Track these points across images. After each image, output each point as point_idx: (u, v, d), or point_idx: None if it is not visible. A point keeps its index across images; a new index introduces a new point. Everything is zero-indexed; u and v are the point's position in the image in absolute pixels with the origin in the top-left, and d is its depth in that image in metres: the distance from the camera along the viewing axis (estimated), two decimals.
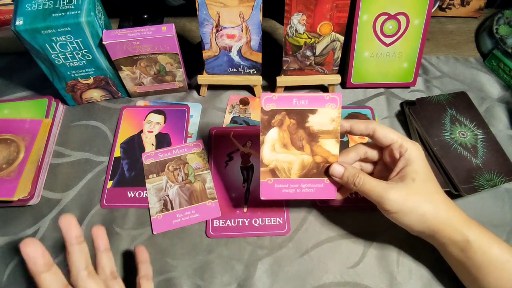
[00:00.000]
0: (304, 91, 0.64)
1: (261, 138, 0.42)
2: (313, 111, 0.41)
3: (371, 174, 0.47)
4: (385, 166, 0.46)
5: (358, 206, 0.52)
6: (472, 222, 0.41)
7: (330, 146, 0.42)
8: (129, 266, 0.48)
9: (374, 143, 0.46)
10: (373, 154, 0.46)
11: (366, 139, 0.58)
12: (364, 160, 0.47)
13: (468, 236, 0.40)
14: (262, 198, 0.44)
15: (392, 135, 0.43)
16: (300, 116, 0.42)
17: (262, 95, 0.41)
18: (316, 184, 0.43)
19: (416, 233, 0.43)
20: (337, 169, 0.42)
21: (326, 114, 0.41)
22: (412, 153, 0.42)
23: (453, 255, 0.42)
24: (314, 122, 0.42)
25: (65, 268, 0.48)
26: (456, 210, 0.42)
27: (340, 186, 0.45)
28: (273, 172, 0.43)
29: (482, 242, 0.40)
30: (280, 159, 0.42)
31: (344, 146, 0.57)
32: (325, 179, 0.43)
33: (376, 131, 0.44)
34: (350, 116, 0.61)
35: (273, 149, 0.42)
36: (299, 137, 0.42)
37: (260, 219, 0.51)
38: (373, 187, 0.41)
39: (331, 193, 0.44)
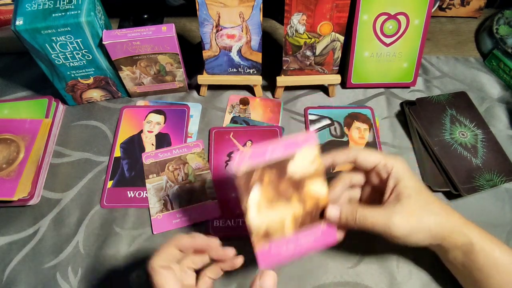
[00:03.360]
0: (305, 96, 0.64)
1: (243, 205, 0.37)
2: (290, 158, 0.38)
3: (360, 200, 0.46)
4: (373, 188, 0.45)
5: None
6: (471, 224, 0.41)
7: (318, 188, 0.39)
8: (129, 266, 0.48)
9: (357, 168, 0.44)
10: (359, 178, 0.45)
11: (366, 137, 0.58)
12: (351, 186, 0.46)
13: (471, 239, 0.40)
14: (261, 268, 0.38)
15: (373, 157, 0.42)
16: (279, 167, 0.37)
17: (233, 156, 0.37)
18: (314, 232, 0.40)
19: (423, 246, 0.42)
20: (333, 213, 0.40)
21: (305, 157, 0.38)
22: (399, 169, 0.41)
23: (456, 260, 0.42)
24: (294, 169, 0.38)
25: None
26: (455, 214, 0.41)
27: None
28: (266, 236, 0.38)
29: (484, 244, 0.40)
30: (270, 219, 0.38)
31: (344, 146, 0.57)
32: (321, 224, 0.40)
33: (358, 157, 0.42)
34: (350, 116, 0.61)
35: (260, 211, 0.37)
36: (283, 189, 0.38)
37: None
38: (375, 219, 0.39)
39: (332, 237, 0.40)
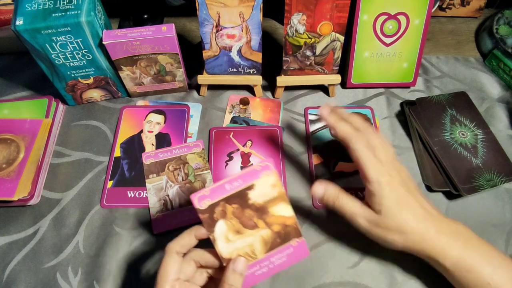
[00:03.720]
0: (305, 96, 0.64)
1: (210, 237, 0.38)
2: (250, 187, 0.38)
3: None
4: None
5: None
6: (452, 244, 0.40)
7: (282, 210, 0.40)
8: (129, 266, 0.48)
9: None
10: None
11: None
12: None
13: (444, 265, 0.40)
14: None
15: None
16: (240, 198, 0.38)
17: (193, 196, 0.37)
18: (285, 251, 0.41)
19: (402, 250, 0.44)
20: (318, 190, 0.44)
21: (265, 183, 0.38)
22: (377, 187, 0.42)
23: (440, 272, 0.43)
24: (256, 196, 0.38)
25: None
26: (434, 235, 0.41)
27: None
28: None
29: (460, 269, 0.40)
30: (239, 246, 0.39)
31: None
32: (292, 241, 0.41)
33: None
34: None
35: (228, 241, 0.38)
36: (248, 217, 0.39)
37: None
38: (348, 209, 0.43)
39: (304, 252, 0.42)
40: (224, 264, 0.38)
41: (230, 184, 0.38)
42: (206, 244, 0.38)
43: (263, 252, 0.40)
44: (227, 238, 0.38)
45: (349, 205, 0.43)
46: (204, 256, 0.39)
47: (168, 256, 0.37)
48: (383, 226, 0.41)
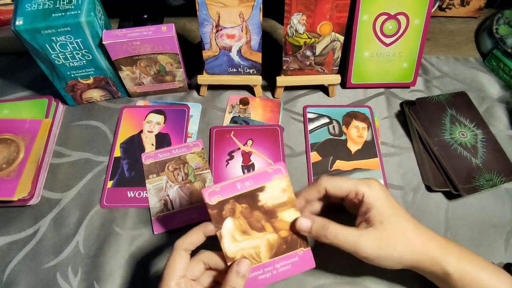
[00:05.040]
0: (305, 96, 0.64)
1: (217, 233, 0.38)
2: (261, 189, 0.38)
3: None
4: (351, 207, 0.44)
5: None
6: (451, 249, 0.40)
7: (291, 216, 0.39)
8: (129, 266, 0.48)
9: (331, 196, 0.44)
10: (335, 190, 0.43)
11: (364, 136, 0.58)
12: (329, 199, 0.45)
13: (446, 269, 0.39)
14: None
15: (343, 186, 0.41)
16: (250, 198, 0.38)
17: (204, 191, 0.37)
18: (290, 259, 0.40)
19: (398, 269, 0.42)
20: (304, 224, 0.39)
21: (276, 187, 0.39)
22: (370, 196, 0.40)
23: (436, 283, 0.42)
24: (266, 199, 0.39)
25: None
26: (432, 240, 0.40)
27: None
28: None
29: (461, 273, 0.39)
30: (245, 247, 0.39)
31: (342, 144, 0.58)
32: (298, 250, 0.40)
33: (327, 188, 0.42)
34: (349, 115, 0.61)
35: (234, 240, 0.38)
36: (257, 218, 0.39)
37: None
38: (345, 237, 0.39)
39: (309, 263, 0.41)
40: (228, 264, 0.38)
41: (241, 183, 0.38)
42: (215, 245, 0.39)
43: (267, 256, 0.40)
44: (234, 237, 0.38)
45: (344, 233, 0.39)
46: (213, 258, 0.39)
47: (176, 253, 0.37)
48: (388, 241, 0.39)
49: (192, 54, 0.66)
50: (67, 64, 0.54)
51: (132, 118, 0.60)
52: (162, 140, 0.58)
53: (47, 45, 0.51)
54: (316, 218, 0.40)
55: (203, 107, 0.62)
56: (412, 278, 0.47)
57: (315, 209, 0.45)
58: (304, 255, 0.41)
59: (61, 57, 0.53)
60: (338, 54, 0.58)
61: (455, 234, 0.51)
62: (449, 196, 0.53)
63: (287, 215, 0.39)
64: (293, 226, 0.40)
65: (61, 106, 0.61)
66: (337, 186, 0.42)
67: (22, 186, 0.50)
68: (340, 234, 0.39)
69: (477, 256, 0.41)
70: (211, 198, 0.37)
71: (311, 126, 0.60)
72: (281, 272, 0.40)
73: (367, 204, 0.40)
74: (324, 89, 0.65)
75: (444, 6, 0.74)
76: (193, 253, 0.39)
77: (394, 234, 0.39)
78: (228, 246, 0.38)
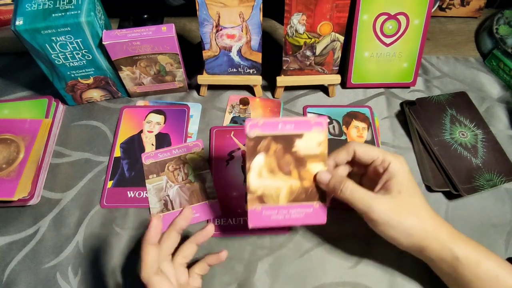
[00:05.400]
0: (305, 96, 0.64)
1: (247, 165, 0.40)
2: (299, 136, 0.40)
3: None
4: (371, 179, 0.45)
5: None
6: (460, 237, 0.41)
7: (317, 169, 0.41)
8: (129, 266, 0.48)
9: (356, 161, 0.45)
10: (364, 155, 0.44)
11: (364, 136, 0.58)
12: (354, 164, 0.46)
13: (456, 253, 0.39)
14: (250, 227, 0.41)
15: (372, 152, 0.43)
16: (287, 141, 0.40)
17: (247, 121, 0.39)
18: (305, 209, 0.42)
19: (404, 249, 0.42)
20: (323, 177, 0.41)
21: (313, 138, 0.40)
22: (395, 166, 0.41)
23: (443, 271, 0.42)
24: (300, 146, 0.40)
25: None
26: (444, 225, 0.41)
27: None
28: (261, 199, 0.41)
29: (471, 258, 0.39)
30: (268, 185, 0.41)
31: (343, 145, 0.57)
32: (315, 203, 0.42)
33: (356, 151, 0.43)
34: (349, 115, 0.61)
35: (260, 176, 0.40)
36: (286, 162, 0.41)
37: None
38: (360, 196, 0.40)
39: (321, 218, 0.42)
40: (248, 195, 0.41)
41: (283, 125, 0.40)
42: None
43: (285, 200, 0.41)
44: (260, 173, 0.40)
45: (360, 192, 0.40)
46: (205, 268, 0.44)
47: (151, 286, 0.37)
48: (401, 210, 0.40)
49: (192, 54, 0.66)
50: (67, 64, 0.54)
51: (132, 118, 0.60)
52: (162, 140, 0.58)
53: (47, 45, 0.51)
54: (336, 173, 0.42)
55: (203, 107, 0.62)
56: (412, 278, 0.47)
57: (342, 173, 0.46)
58: (318, 209, 0.42)
59: (61, 57, 0.53)
60: (338, 54, 0.58)
61: None
62: (449, 196, 0.53)
63: (315, 168, 0.41)
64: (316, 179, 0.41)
65: (61, 106, 0.61)
66: (366, 150, 0.43)
67: (22, 186, 0.50)
68: (356, 191, 0.40)
69: (485, 247, 0.41)
70: (251, 130, 0.39)
71: None
72: (294, 218, 0.42)
73: (390, 173, 0.41)
74: (324, 89, 0.65)
75: (444, 6, 0.74)
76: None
77: (408, 205, 0.40)
78: (253, 179, 0.40)
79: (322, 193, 0.42)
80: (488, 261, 0.39)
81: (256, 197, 0.41)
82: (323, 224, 0.42)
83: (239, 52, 0.57)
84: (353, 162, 0.45)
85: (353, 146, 0.43)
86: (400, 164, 0.42)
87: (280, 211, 0.41)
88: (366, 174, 0.46)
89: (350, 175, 0.46)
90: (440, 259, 0.41)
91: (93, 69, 0.56)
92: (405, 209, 0.40)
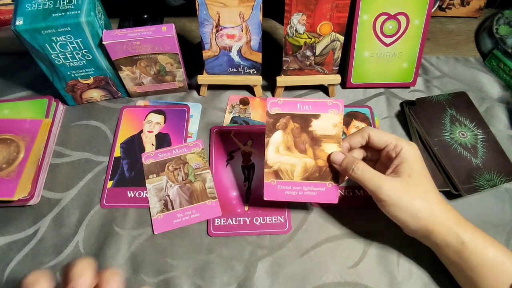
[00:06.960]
0: (306, 97, 0.64)
1: (266, 140, 0.43)
2: (316, 116, 0.43)
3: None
4: (384, 165, 0.46)
5: (358, 206, 0.52)
6: (467, 224, 0.41)
7: (332, 150, 0.43)
8: (129, 266, 0.48)
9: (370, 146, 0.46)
10: (378, 139, 0.46)
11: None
12: (368, 150, 0.48)
13: (462, 238, 0.40)
14: (265, 198, 0.45)
15: (386, 137, 0.44)
16: (304, 121, 0.43)
17: (268, 100, 0.42)
18: (318, 187, 0.44)
19: (411, 233, 0.44)
20: (336, 157, 0.43)
21: (329, 119, 0.43)
22: (407, 151, 0.43)
23: (448, 257, 0.42)
24: (317, 126, 0.43)
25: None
26: (451, 211, 0.42)
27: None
28: (277, 174, 0.44)
29: (477, 244, 0.40)
30: (284, 161, 0.44)
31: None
32: (328, 183, 0.44)
33: (370, 136, 0.45)
34: (349, 115, 0.61)
35: (277, 151, 0.43)
36: (302, 140, 0.43)
37: (261, 217, 0.51)
38: (371, 175, 0.42)
39: (333, 197, 0.44)
40: (265, 168, 0.44)
41: (301, 105, 0.43)
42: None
43: (300, 177, 0.44)
44: (278, 148, 0.43)
45: (372, 172, 0.42)
46: (378, 136, 0.45)
47: None
48: (410, 192, 0.41)
49: (192, 54, 0.66)
50: (67, 64, 0.54)
51: (132, 118, 0.60)
52: (162, 140, 0.58)
53: (47, 45, 0.51)
54: (349, 154, 0.44)
55: (203, 107, 0.62)
56: (412, 278, 0.47)
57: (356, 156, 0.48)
58: (331, 189, 0.44)
59: (61, 57, 0.53)
60: (338, 54, 0.58)
61: None
62: (449, 196, 0.53)
63: (329, 148, 0.43)
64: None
65: (61, 106, 0.61)
66: (380, 135, 0.45)
67: (22, 186, 0.50)
68: (367, 171, 0.42)
69: (491, 236, 0.41)
70: (272, 108, 0.43)
71: None
72: (306, 195, 0.44)
73: (402, 158, 0.42)
74: (324, 89, 0.65)
75: (444, 6, 0.74)
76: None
77: (417, 188, 0.41)
78: (270, 154, 0.43)
79: (335, 173, 0.44)
80: (494, 248, 0.40)
81: (273, 171, 0.44)
82: (335, 204, 0.45)
83: (239, 52, 0.57)
84: (367, 148, 0.47)
85: (367, 130, 0.45)
86: (413, 150, 0.43)
87: (294, 187, 0.44)
88: (379, 160, 0.47)
89: (364, 161, 0.47)
90: (446, 244, 0.41)
91: (93, 69, 0.56)
92: (414, 192, 0.41)
